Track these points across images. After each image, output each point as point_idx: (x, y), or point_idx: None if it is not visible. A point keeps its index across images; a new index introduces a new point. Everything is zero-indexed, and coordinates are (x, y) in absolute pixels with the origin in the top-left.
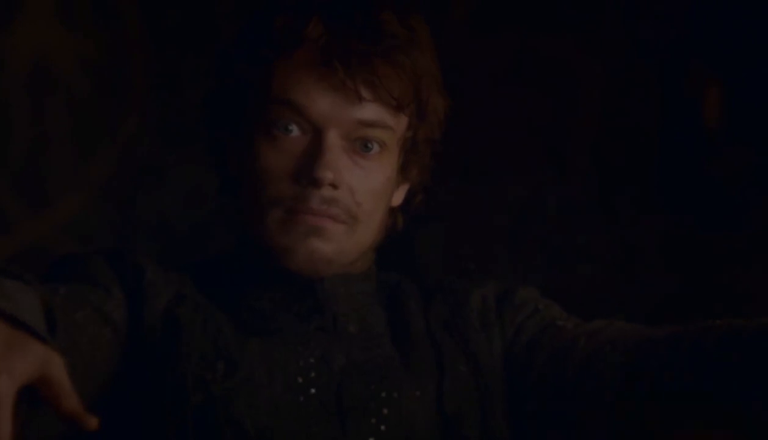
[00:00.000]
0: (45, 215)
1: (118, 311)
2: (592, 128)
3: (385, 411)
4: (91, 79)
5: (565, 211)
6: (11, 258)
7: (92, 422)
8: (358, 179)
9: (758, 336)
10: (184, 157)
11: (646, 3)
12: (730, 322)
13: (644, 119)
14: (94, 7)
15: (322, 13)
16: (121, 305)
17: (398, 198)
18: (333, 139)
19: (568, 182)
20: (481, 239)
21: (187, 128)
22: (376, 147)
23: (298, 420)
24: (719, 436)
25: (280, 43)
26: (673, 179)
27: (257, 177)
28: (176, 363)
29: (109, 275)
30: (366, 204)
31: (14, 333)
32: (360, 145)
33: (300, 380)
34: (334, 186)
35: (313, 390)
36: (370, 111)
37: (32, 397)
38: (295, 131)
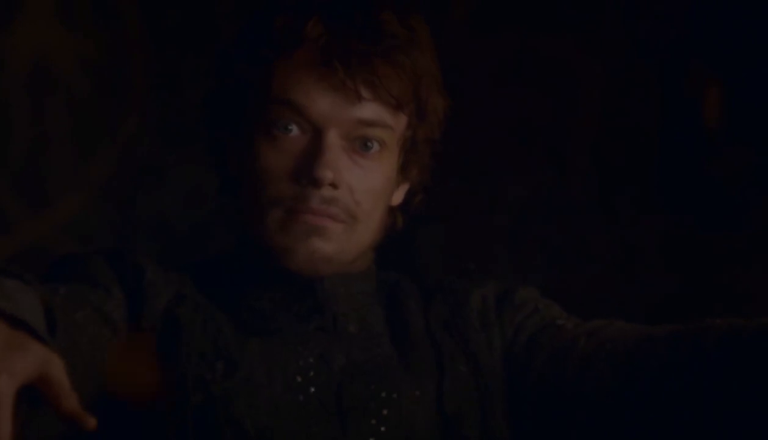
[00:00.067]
0: (45, 215)
1: (118, 311)
2: (592, 128)
3: (385, 411)
4: (91, 79)
5: (565, 211)
6: (11, 258)
7: (91, 422)
8: (357, 179)
9: (758, 335)
10: (184, 157)
11: (646, 3)
12: (730, 322)
13: (644, 119)
14: (94, 7)
15: (322, 13)
16: (121, 305)
17: (398, 198)
18: (333, 138)
19: (568, 182)
20: (481, 239)
21: (187, 128)
22: (375, 146)
23: (298, 419)
24: None
25: (280, 43)
26: (673, 179)
27: (257, 177)
28: (176, 363)
29: (109, 275)
30: (365, 203)
31: (14, 333)
32: (360, 144)
33: (299, 379)
34: (333, 186)
35: (312, 389)
36: (369, 110)
37: (32, 397)
38: (294, 130)
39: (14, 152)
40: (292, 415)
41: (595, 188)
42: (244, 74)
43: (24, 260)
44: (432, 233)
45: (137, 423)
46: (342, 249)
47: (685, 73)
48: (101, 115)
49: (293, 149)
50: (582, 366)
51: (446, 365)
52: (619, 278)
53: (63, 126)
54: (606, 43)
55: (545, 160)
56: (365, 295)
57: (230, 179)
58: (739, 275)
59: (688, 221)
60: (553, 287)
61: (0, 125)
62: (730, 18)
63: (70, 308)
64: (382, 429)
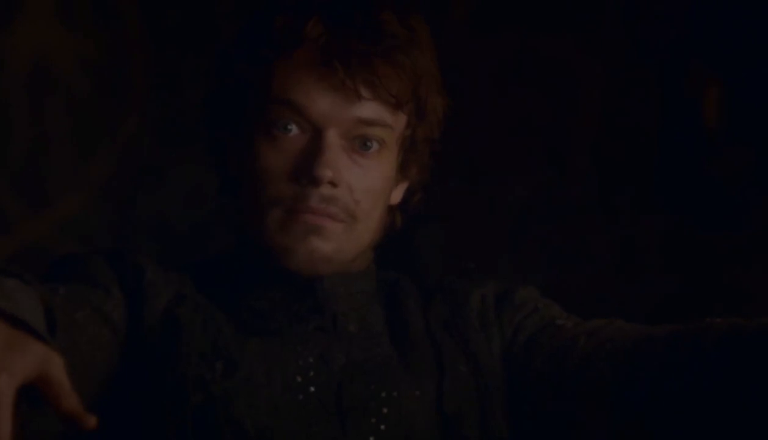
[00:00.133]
0: (45, 215)
1: (117, 311)
2: (592, 128)
3: (385, 410)
4: (91, 79)
5: (565, 211)
6: (11, 258)
7: (91, 421)
8: (357, 178)
9: (758, 336)
10: (184, 157)
11: (646, 3)
12: (730, 322)
13: (644, 119)
14: (94, 7)
15: (322, 12)
16: (121, 305)
17: (397, 197)
18: (332, 138)
19: (568, 182)
20: (481, 239)
21: (187, 128)
22: (375, 145)
23: (298, 419)
24: None
25: (280, 43)
26: (673, 179)
27: (257, 177)
28: (176, 363)
29: (108, 275)
30: (365, 202)
31: (14, 333)
32: (359, 143)
33: (299, 379)
34: (333, 184)
35: (312, 389)
36: (369, 109)
37: (32, 397)
38: (294, 130)
39: (14, 152)
40: (291, 415)
41: (595, 188)
42: (244, 74)
43: (24, 260)
44: (432, 233)
45: (137, 423)
46: (341, 248)
47: (685, 73)
48: (101, 115)
49: (293, 148)
50: (582, 365)
51: (446, 365)
52: (619, 278)
53: (63, 126)
54: (606, 43)
55: (545, 160)
56: (365, 295)
57: (230, 179)
58: (739, 275)
59: (688, 221)
60: (553, 287)
61: (0, 125)
62: (730, 18)
63: (69, 308)
64: (382, 427)
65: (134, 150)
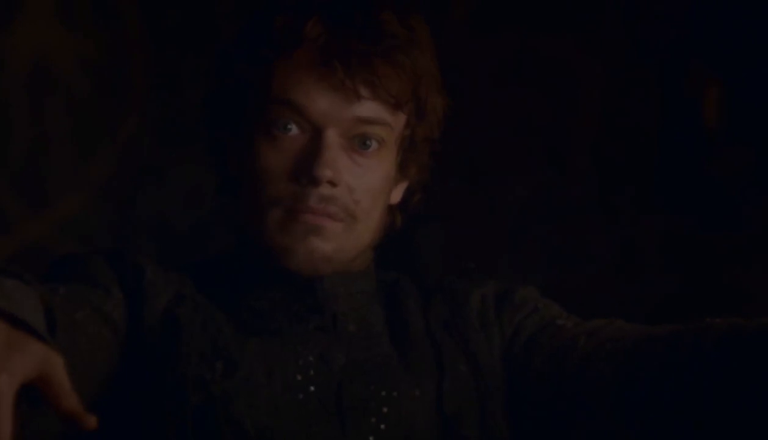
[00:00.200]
0: (45, 215)
1: (117, 311)
2: (592, 128)
3: (385, 410)
4: (91, 79)
5: (565, 211)
6: (11, 258)
7: (91, 421)
8: (356, 177)
9: (758, 335)
10: (184, 157)
11: (646, 3)
12: (730, 322)
13: (644, 119)
14: (94, 7)
15: (321, 13)
16: (121, 305)
17: (396, 196)
18: (332, 137)
19: (568, 182)
20: (481, 239)
21: (187, 128)
22: (374, 144)
23: (298, 419)
24: None
25: (280, 43)
26: (673, 179)
27: (257, 177)
28: (176, 363)
29: (108, 275)
30: (364, 202)
31: (14, 333)
32: (358, 142)
33: (299, 378)
34: (332, 184)
35: (312, 389)
36: (368, 108)
37: (32, 397)
38: (294, 130)
39: (14, 152)
40: (291, 415)
41: (595, 188)
42: (244, 74)
43: (24, 260)
44: (432, 233)
45: (137, 423)
46: (341, 248)
47: (685, 73)
48: (101, 115)
49: (293, 148)
50: (582, 365)
51: (446, 364)
52: (619, 278)
53: (63, 126)
54: (606, 43)
55: (545, 160)
56: (365, 294)
57: (230, 179)
58: (739, 275)
59: (688, 221)
60: (553, 287)
61: (0, 125)
62: (730, 18)
63: (69, 308)
64: (382, 427)
65: (134, 150)
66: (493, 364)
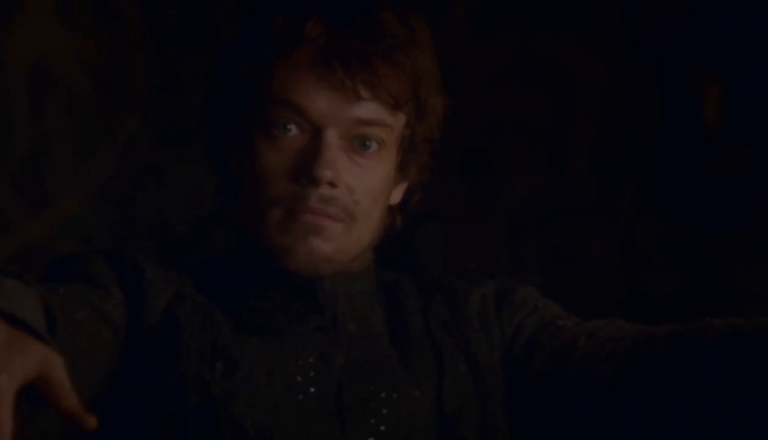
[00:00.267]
0: (45, 215)
1: (117, 311)
2: (592, 128)
3: (385, 410)
4: (91, 79)
5: (565, 211)
6: (11, 258)
7: (91, 421)
8: (356, 178)
9: (758, 335)
10: (184, 157)
11: (646, 3)
12: (730, 322)
13: (644, 119)
14: (94, 7)
15: (321, 13)
16: (121, 305)
17: (396, 197)
18: (331, 138)
19: (568, 182)
20: (481, 239)
21: (187, 128)
22: (374, 145)
23: (298, 419)
24: None
25: (280, 43)
26: (673, 179)
27: (257, 177)
28: (176, 363)
29: (108, 275)
30: (364, 202)
31: (14, 333)
32: (358, 143)
33: (299, 379)
34: (332, 185)
35: (312, 389)
36: (368, 109)
37: (32, 397)
38: (293, 130)
39: (14, 152)
40: (291, 415)
41: (595, 188)
42: (244, 74)
43: (24, 260)
44: (432, 233)
45: (137, 423)
46: (341, 248)
47: (685, 73)
48: (101, 115)
49: (292, 148)
50: (582, 365)
51: (446, 364)
52: (619, 278)
53: (63, 126)
54: (606, 43)
55: (545, 160)
56: (365, 295)
57: (230, 179)
58: (739, 275)
59: (688, 221)
60: (553, 287)
61: (0, 125)
62: (730, 18)
63: (69, 308)
64: (382, 428)
65: (134, 150)
66: (493, 364)
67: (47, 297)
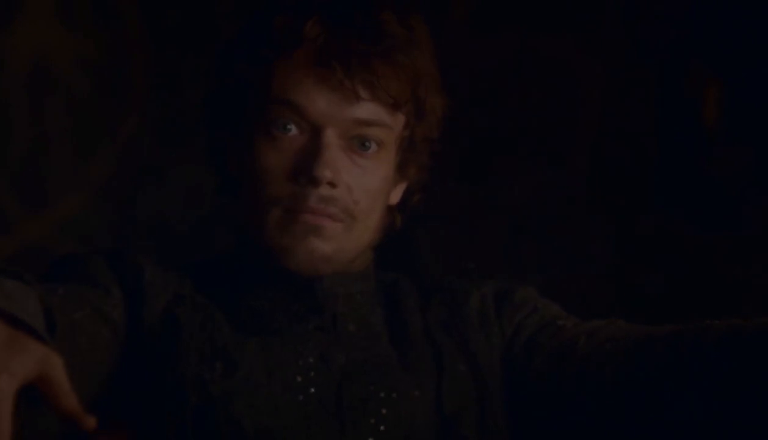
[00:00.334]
0: (45, 215)
1: (117, 311)
2: (592, 128)
3: (384, 411)
4: (91, 79)
5: (565, 211)
6: (11, 258)
7: (90, 422)
8: (355, 178)
9: (758, 336)
10: (184, 157)
11: (646, 3)
12: (730, 322)
13: (644, 119)
14: (94, 7)
15: (321, 13)
16: (121, 305)
17: (396, 197)
18: (331, 138)
19: (568, 182)
20: (481, 239)
21: (187, 128)
22: (373, 146)
23: (298, 419)
24: None
25: (279, 43)
26: (673, 178)
27: (257, 177)
28: (175, 363)
29: (108, 275)
30: (363, 203)
31: (14, 333)
32: (358, 143)
33: (299, 379)
34: (332, 185)
35: (312, 390)
36: (367, 110)
37: (31, 397)
38: (293, 130)
39: (14, 152)
40: (291, 415)
41: (595, 188)
42: (244, 74)
43: (24, 260)
44: (432, 233)
45: (137, 423)
46: (341, 248)
47: (685, 73)
48: (101, 115)
49: (292, 148)
50: (582, 365)
51: (445, 365)
52: (619, 278)
53: (63, 126)
54: (606, 43)
55: (545, 160)
56: (364, 295)
57: (230, 179)
58: (739, 275)
59: (688, 221)
60: (553, 287)
61: (0, 125)
62: (730, 18)
63: (68, 309)
64: (381, 428)
65: (134, 150)
66: (492, 364)
67: (46, 298)
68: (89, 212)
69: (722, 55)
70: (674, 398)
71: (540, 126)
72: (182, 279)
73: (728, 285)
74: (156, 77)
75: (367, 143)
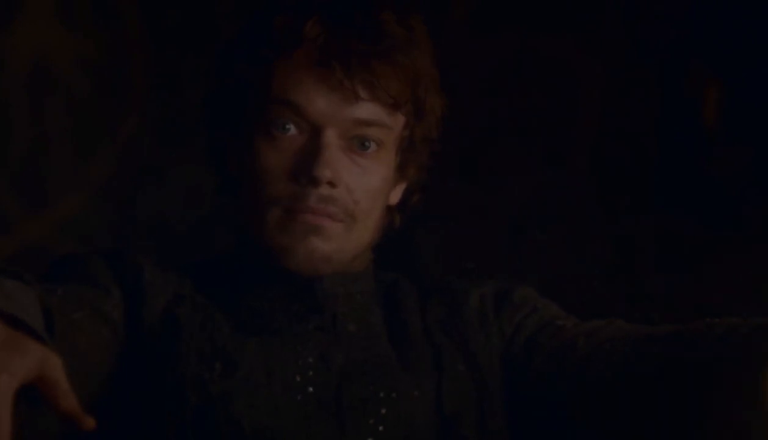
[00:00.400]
0: (45, 215)
1: (117, 311)
2: (592, 128)
3: (384, 411)
4: (91, 79)
5: (565, 211)
6: (11, 258)
7: (90, 422)
8: (355, 178)
9: (758, 335)
10: (184, 157)
11: (646, 3)
12: (729, 322)
13: (644, 119)
14: (94, 7)
15: (321, 13)
16: (120, 305)
17: (395, 197)
18: (330, 138)
19: (568, 182)
20: (481, 239)
21: (187, 128)
22: (373, 146)
23: (297, 419)
24: None
25: (279, 43)
26: (673, 178)
27: (257, 177)
28: (175, 363)
29: (108, 275)
30: (363, 202)
31: (14, 333)
32: (357, 143)
33: (299, 379)
34: (332, 185)
35: (311, 389)
36: (367, 110)
37: (31, 397)
38: (293, 130)
39: (14, 152)
40: (291, 415)
41: (595, 188)
42: (244, 74)
43: (24, 260)
44: (432, 233)
45: (137, 423)
46: (341, 248)
47: (685, 73)
48: (101, 115)
49: (292, 148)
50: (581, 365)
51: (445, 364)
52: (619, 278)
53: (63, 126)
54: (606, 43)
55: (545, 160)
56: (364, 295)
57: (230, 179)
58: (739, 275)
59: (688, 221)
60: (553, 287)
61: (0, 125)
62: (730, 18)
63: (68, 309)
64: (381, 428)
65: (134, 150)
66: (492, 364)
67: (46, 298)
68: (89, 212)
69: (722, 55)
70: (674, 398)
71: (540, 126)
72: (182, 279)
73: (728, 285)
74: (156, 77)
75: (366, 143)
